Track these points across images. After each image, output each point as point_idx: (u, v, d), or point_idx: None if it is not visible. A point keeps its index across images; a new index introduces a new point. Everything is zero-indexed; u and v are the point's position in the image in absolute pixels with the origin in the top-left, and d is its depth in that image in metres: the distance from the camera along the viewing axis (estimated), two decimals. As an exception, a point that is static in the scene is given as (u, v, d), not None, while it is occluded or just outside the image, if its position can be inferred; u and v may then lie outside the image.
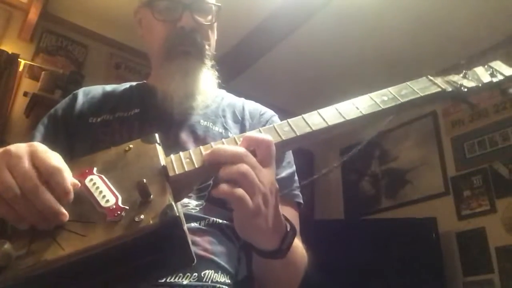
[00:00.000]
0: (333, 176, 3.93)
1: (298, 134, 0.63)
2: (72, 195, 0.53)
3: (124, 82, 1.02)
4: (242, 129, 0.90)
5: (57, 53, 2.97)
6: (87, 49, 3.10)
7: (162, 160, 0.60)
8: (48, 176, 0.52)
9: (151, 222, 0.50)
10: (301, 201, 0.88)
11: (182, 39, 0.88)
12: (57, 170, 0.52)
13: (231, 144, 0.61)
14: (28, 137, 0.88)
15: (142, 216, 0.50)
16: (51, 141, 0.86)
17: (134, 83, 1.00)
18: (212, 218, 0.77)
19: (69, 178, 0.53)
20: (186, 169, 0.58)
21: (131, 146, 0.63)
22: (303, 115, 0.65)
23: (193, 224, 0.74)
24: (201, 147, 0.61)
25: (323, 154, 3.91)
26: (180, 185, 0.59)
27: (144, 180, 0.52)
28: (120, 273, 0.52)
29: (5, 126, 2.56)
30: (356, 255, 2.67)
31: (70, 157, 0.81)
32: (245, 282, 0.78)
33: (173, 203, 0.52)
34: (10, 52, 2.67)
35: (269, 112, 0.97)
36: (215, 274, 0.72)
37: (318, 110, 0.66)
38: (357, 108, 0.65)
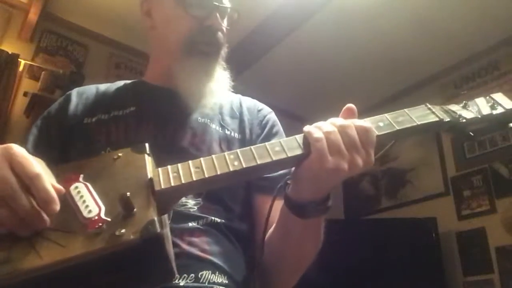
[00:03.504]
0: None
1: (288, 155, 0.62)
2: (57, 204, 0.51)
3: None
4: (241, 124, 0.90)
5: (57, 53, 2.97)
6: (87, 49, 3.10)
7: (149, 173, 0.59)
8: (28, 182, 0.50)
9: (131, 237, 0.49)
10: None
11: (207, 37, 0.89)
12: (37, 176, 0.51)
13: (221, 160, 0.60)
14: (23, 140, 0.87)
15: (123, 230, 0.50)
16: (44, 143, 0.86)
17: (128, 81, 0.99)
18: (211, 217, 0.77)
19: (49, 185, 0.52)
20: (172, 184, 0.57)
21: (120, 154, 0.63)
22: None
23: (191, 224, 0.74)
24: (190, 162, 0.60)
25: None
26: (166, 199, 0.58)
27: (128, 193, 0.52)
28: (98, 285, 0.51)
29: (5, 126, 2.56)
30: (356, 255, 2.66)
31: (64, 159, 0.80)
32: (245, 282, 0.77)
33: (155, 219, 0.51)
34: (10, 52, 2.67)
35: (266, 109, 0.97)
36: (213, 274, 0.72)
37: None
38: None
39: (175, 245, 0.70)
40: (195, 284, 0.69)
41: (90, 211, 0.53)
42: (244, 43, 2.99)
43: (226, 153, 0.61)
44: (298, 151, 0.62)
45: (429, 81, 3.36)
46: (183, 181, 0.58)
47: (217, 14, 0.89)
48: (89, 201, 0.55)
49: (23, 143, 0.87)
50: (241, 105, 0.95)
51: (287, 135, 0.75)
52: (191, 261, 0.71)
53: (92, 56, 3.11)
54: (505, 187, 2.77)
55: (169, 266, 0.54)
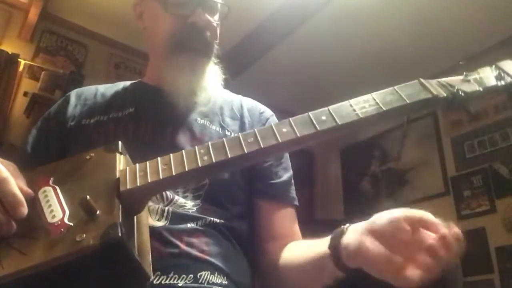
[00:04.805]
0: (333, 176, 3.93)
1: (262, 145, 0.56)
2: (25, 207, 0.52)
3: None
4: (241, 126, 0.90)
5: (57, 53, 2.97)
6: (87, 49, 3.10)
7: (118, 173, 0.57)
8: None
9: (91, 242, 0.48)
10: (297, 203, 0.90)
11: (192, 34, 0.87)
12: (3, 180, 0.51)
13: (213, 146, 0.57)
14: (23, 141, 0.87)
15: (83, 235, 0.48)
16: (43, 144, 0.86)
17: (128, 82, 0.98)
18: (209, 218, 0.76)
19: (16, 189, 0.52)
20: (138, 184, 0.55)
21: (92, 154, 0.61)
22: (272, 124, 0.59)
23: (190, 225, 0.74)
24: (159, 158, 0.58)
25: (323, 154, 3.91)
26: (133, 199, 0.56)
27: (88, 196, 0.50)
28: None
29: (5, 126, 2.56)
30: (356, 255, 2.66)
31: None
32: (244, 282, 0.77)
33: (117, 222, 0.49)
34: (10, 52, 2.68)
35: (268, 111, 0.97)
36: (211, 275, 0.72)
37: (290, 119, 0.59)
38: (333, 118, 0.58)
39: (174, 245, 0.70)
40: (194, 285, 0.69)
41: (54, 216, 0.52)
42: (243, 43, 2.99)
43: (197, 147, 0.57)
44: (273, 141, 0.55)
45: (429, 81, 3.36)
46: (149, 180, 0.55)
47: (202, 10, 0.87)
48: (55, 205, 0.54)
49: (23, 144, 0.87)
50: (242, 106, 0.94)
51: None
52: (190, 262, 0.70)
53: (92, 56, 3.11)
54: (505, 187, 2.77)
55: (139, 268, 0.52)
